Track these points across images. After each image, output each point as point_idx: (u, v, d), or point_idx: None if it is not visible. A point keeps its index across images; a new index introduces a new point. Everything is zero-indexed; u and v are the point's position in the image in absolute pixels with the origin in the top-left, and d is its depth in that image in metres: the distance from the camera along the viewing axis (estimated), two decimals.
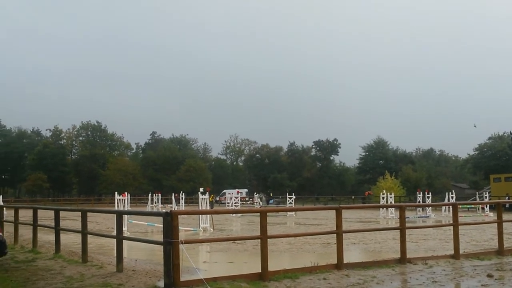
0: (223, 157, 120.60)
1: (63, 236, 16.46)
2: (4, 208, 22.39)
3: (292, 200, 45.86)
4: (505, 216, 16.96)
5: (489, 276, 10.86)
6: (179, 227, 9.99)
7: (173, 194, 45.95)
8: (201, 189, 29.61)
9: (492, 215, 39.67)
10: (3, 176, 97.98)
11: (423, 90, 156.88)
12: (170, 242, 9.36)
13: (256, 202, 59.62)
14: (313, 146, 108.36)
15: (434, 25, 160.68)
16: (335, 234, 12.33)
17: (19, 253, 16.03)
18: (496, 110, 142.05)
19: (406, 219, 13.57)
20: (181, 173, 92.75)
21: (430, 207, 40.90)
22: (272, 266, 10.74)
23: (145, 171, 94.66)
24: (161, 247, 9.70)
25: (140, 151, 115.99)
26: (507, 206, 44.76)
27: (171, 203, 51.27)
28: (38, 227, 17.38)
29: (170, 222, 9.44)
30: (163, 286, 9.50)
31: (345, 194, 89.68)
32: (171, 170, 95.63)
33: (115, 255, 12.43)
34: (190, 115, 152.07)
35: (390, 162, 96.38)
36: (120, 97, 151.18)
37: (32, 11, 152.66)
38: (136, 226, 27.38)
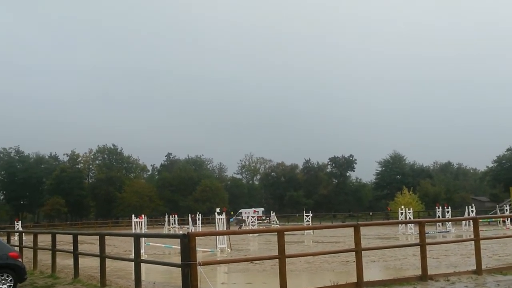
0: (239, 176, 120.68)
1: (82, 260, 16.51)
2: (23, 234, 22.57)
3: (309, 218, 45.52)
4: None
5: None
6: (197, 249, 9.96)
7: (189, 215, 45.93)
8: (218, 209, 29.54)
9: None
10: (22, 202, 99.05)
11: (439, 102, 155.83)
12: (188, 264, 9.32)
13: (273, 221, 59.30)
14: (329, 163, 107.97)
15: (448, 39, 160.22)
16: (354, 252, 12.18)
17: (38, 278, 16.09)
18: None
19: (426, 234, 13.36)
20: (197, 194, 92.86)
21: (450, 222, 40.28)
22: (291, 286, 10.62)
23: (161, 192, 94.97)
24: (179, 269, 9.67)
25: (156, 173, 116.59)
26: None
27: (187, 224, 51.31)
28: (57, 252, 17.46)
29: (187, 244, 9.41)
30: None
31: (362, 210, 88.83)
32: (187, 191, 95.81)
33: (133, 278, 12.41)
34: (205, 136, 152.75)
35: (408, 177, 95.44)
36: (136, 120, 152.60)
37: (49, 37, 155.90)
38: (153, 249, 27.37)
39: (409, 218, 38.91)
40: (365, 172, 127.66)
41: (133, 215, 27.80)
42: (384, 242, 30.53)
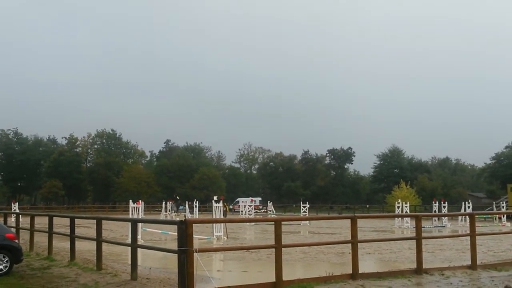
0: (237, 165, 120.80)
1: (78, 243, 16.55)
2: (20, 215, 22.60)
3: (306, 209, 45.62)
4: None
5: (507, 287, 10.67)
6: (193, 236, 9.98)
7: (186, 202, 45.99)
8: (215, 197, 29.60)
9: (509, 225, 39.12)
10: (19, 184, 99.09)
11: (439, 98, 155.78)
12: (185, 251, 9.35)
13: (270, 211, 59.44)
14: (327, 155, 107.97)
15: (448, 34, 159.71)
16: (349, 244, 12.22)
17: (34, 260, 16.14)
18: None
19: (422, 228, 13.40)
20: (195, 181, 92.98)
21: (447, 217, 40.40)
22: (286, 276, 10.66)
23: (159, 179, 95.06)
24: (175, 256, 9.70)
25: (154, 159, 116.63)
26: None
27: (184, 211, 51.38)
28: (54, 235, 17.51)
29: (184, 230, 9.43)
30: None
31: (359, 203, 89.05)
32: (185, 178, 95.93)
33: (130, 263, 12.46)
34: (204, 124, 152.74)
35: (405, 171, 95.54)
36: (135, 106, 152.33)
37: (50, 21, 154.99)
38: (150, 234, 27.45)
39: (406, 212, 39.00)
40: (363, 165, 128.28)
41: (130, 201, 27.83)
42: (380, 235, 30.65)
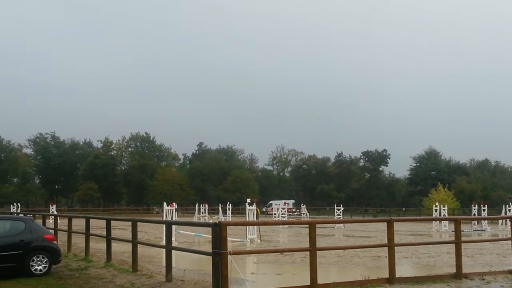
0: (270, 167, 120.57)
1: (114, 245, 16.77)
2: (58, 217, 23.10)
3: (340, 212, 45.15)
4: None
5: None
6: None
7: (219, 204, 46.20)
8: (248, 200, 29.57)
9: None
10: (56, 186, 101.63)
11: (477, 99, 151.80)
12: (219, 253, 9.31)
13: (303, 213, 59.15)
14: (362, 157, 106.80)
15: (490, 33, 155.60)
16: (385, 247, 11.96)
17: (72, 261, 16.44)
18: None
19: (461, 232, 13.01)
20: (228, 184, 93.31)
21: (486, 221, 39.30)
22: (321, 279, 10.50)
23: (192, 181, 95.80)
24: (209, 258, 9.67)
25: (187, 162, 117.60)
26: None
27: (217, 213, 51.63)
28: (90, 236, 17.79)
29: (219, 233, 9.40)
30: None
31: (395, 206, 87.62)
32: (217, 181, 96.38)
33: (164, 264, 12.52)
34: (237, 126, 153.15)
35: (443, 174, 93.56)
36: (168, 109, 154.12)
37: (85, 28, 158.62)
38: (183, 237, 27.63)
39: (444, 215, 38.12)
40: (399, 167, 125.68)
41: (164, 203, 28.09)
42: (417, 238, 30.00)
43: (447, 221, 35.96)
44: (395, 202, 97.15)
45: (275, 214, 53.26)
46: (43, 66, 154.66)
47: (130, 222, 14.51)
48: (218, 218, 41.19)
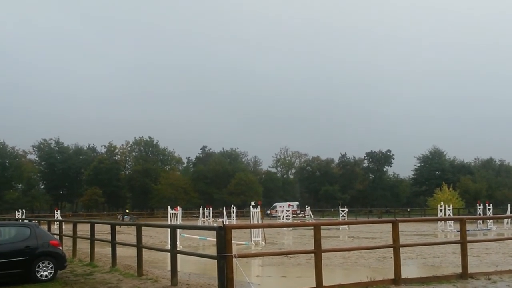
0: (274, 170, 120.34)
1: (119, 249, 16.79)
2: (63, 223, 23.14)
3: (344, 213, 45.07)
4: None
5: None
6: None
7: (223, 208, 46.16)
8: (253, 203, 29.54)
9: None
10: (61, 192, 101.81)
11: (480, 98, 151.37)
12: (224, 256, 9.31)
13: (308, 215, 59.03)
14: (365, 158, 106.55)
15: (491, 32, 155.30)
16: (391, 248, 11.93)
17: (77, 266, 16.46)
18: None
19: (467, 232, 12.97)
20: (232, 187, 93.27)
21: (492, 220, 39.16)
22: (326, 281, 10.48)
23: (196, 185, 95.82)
24: (214, 261, 9.67)
25: (191, 165, 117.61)
26: None
27: (221, 216, 51.56)
28: (95, 241, 17.82)
29: (223, 236, 9.40)
30: None
31: (399, 207, 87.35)
32: (221, 184, 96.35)
33: (169, 268, 12.52)
34: (240, 129, 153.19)
35: (447, 173, 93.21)
36: (171, 113, 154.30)
37: (86, 32, 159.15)
38: (188, 240, 27.63)
39: (449, 215, 38.01)
40: (403, 167, 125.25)
41: (168, 207, 28.10)
42: (423, 239, 29.93)
43: (452, 221, 35.85)
44: (399, 203, 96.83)
45: (279, 216, 53.17)
46: (47, 72, 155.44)
47: (135, 227, 14.52)
48: (222, 221, 41.16)
